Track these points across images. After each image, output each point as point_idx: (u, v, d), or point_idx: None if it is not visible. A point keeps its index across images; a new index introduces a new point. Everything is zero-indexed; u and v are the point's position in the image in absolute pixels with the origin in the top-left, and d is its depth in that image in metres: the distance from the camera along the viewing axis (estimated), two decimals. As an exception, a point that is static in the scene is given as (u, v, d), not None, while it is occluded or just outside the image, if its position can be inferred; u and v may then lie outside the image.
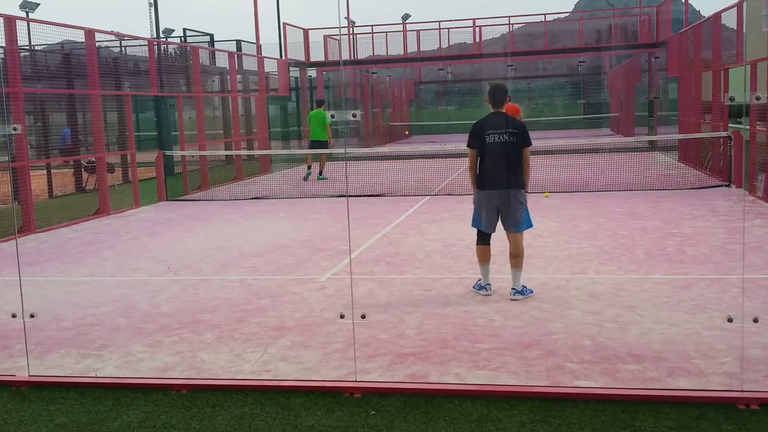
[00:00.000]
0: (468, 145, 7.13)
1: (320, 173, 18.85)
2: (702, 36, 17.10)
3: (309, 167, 19.13)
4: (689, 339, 5.55)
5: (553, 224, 10.80)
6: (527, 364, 5.16)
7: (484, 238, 7.16)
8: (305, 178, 18.71)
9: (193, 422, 4.53)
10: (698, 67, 17.54)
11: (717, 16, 15.54)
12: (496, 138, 6.92)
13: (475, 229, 7.23)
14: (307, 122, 19.43)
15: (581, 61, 36.96)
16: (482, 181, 7.07)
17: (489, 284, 7.11)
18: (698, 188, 14.36)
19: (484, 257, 7.12)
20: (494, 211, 6.99)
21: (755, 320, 5.12)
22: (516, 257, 6.97)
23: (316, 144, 18.75)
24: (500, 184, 6.93)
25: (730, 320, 5.40)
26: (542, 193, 13.82)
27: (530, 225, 7.13)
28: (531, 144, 7.00)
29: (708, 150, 16.60)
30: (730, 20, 15.09)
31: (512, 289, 6.94)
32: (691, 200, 12.77)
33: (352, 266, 8.51)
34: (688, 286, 7.07)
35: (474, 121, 7.21)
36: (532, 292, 6.98)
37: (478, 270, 7.23)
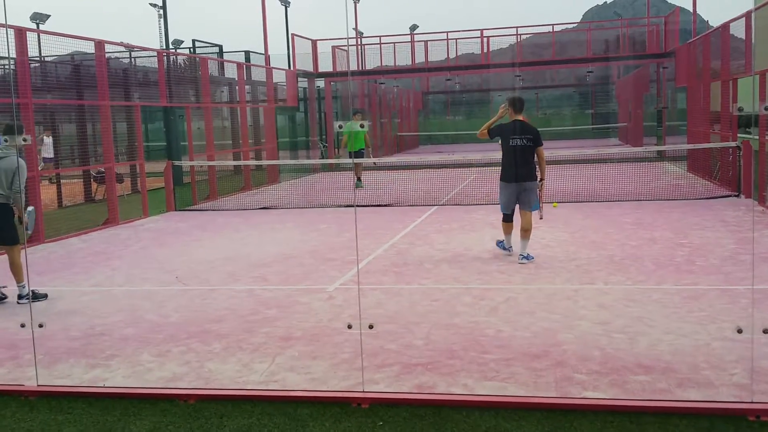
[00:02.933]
0: (489, 130, 9.11)
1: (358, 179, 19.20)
2: (710, 46, 17.08)
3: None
4: (699, 350, 5.52)
5: (561, 234, 10.78)
6: (536, 375, 5.14)
7: (508, 216, 9.18)
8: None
9: (200, 432, 4.52)
10: (707, 77, 17.51)
11: (725, 26, 15.51)
12: (518, 142, 8.89)
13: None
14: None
15: (589, 72, 36.95)
16: (505, 174, 9.02)
17: (511, 246, 9.21)
18: (707, 198, 14.31)
19: (508, 230, 9.24)
20: (513, 197, 9.01)
21: (765, 331, 5.08)
22: (526, 230, 8.92)
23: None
24: (518, 178, 8.92)
25: (739, 331, 5.36)
26: (551, 203, 13.79)
27: (537, 207, 9.01)
28: (543, 144, 8.99)
29: (717, 160, 16.55)
30: (738, 30, 15.07)
31: (520, 255, 8.86)
32: (701, 210, 12.72)
33: (360, 276, 8.51)
34: (698, 297, 7.04)
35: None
36: (533, 258, 8.85)
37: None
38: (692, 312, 6.53)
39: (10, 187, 7.72)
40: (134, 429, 4.61)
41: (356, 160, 19.15)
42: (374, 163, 19.80)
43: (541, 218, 9.17)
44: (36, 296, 7.76)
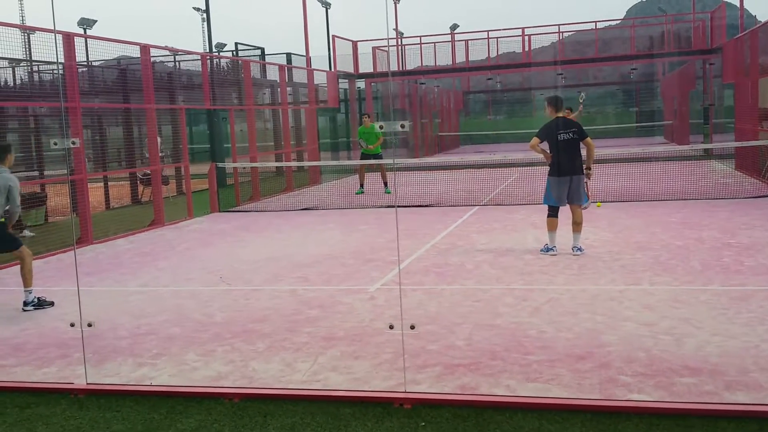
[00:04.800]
0: (537, 135, 9.30)
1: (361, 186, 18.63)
2: (758, 41, 16.72)
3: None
4: (747, 352, 5.41)
5: (605, 234, 10.65)
6: (580, 377, 5.09)
7: (554, 212, 9.41)
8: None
9: (244, 431, 4.58)
10: (755, 74, 17.15)
11: (774, 20, 15.17)
12: (565, 136, 9.27)
13: (546, 206, 9.49)
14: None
15: (633, 69, 36.39)
16: (556, 168, 9.28)
17: (555, 246, 9.37)
18: (756, 197, 14.01)
19: (553, 226, 9.40)
20: (565, 190, 9.29)
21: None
22: (577, 224, 9.32)
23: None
24: (569, 172, 9.26)
25: (790, 333, 5.25)
26: (594, 202, 13.63)
27: (587, 200, 9.52)
28: (588, 135, 9.32)
29: (766, 158, 16.19)
30: (788, 25, 14.74)
31: (574, 247, 9.30)
32: (749, 209, 12.46)
33: (401, 277, 8.52)
34: (746, 298, 6.90)
35: (531, 127, 9.57)
36: (584, 250, 9.30)
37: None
38: (740, 313, 6.40)
39: (6, 204, 7.61)
40: (180, 427, 4.69)
41: (363, 162, 18.37)
42: (359, 146, 18.56)
43: (584, 208, 9.47)
44: (41, 303, 7.78)
